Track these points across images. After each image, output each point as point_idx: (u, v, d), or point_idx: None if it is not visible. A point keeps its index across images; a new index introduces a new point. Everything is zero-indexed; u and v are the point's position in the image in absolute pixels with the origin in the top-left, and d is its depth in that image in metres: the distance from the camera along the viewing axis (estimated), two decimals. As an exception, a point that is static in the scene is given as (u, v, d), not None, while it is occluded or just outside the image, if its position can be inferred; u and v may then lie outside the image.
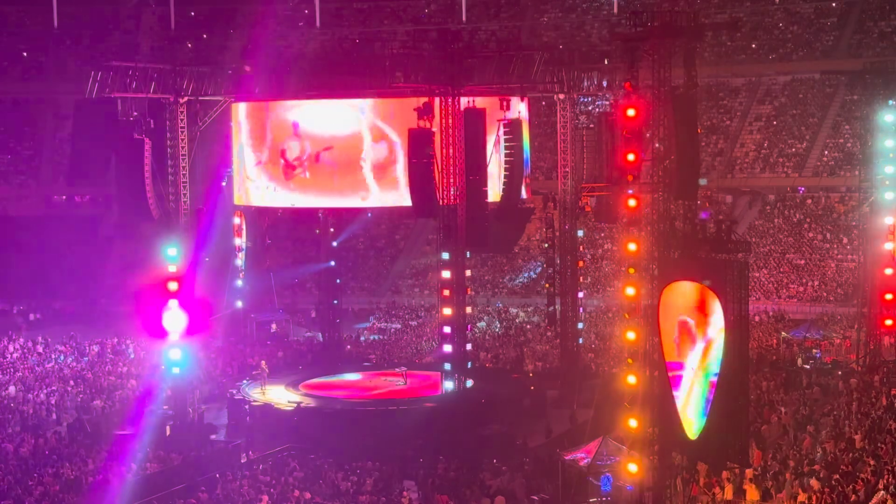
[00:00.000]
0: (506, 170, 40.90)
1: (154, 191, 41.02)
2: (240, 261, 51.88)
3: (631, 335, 30.23)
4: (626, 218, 30.68)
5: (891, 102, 45.91)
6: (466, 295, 41.23)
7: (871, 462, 31.81)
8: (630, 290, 30.23)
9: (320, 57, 58.56)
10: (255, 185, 45.13)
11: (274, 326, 56.95)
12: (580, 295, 46.65)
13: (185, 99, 41.99)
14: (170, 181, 41.71)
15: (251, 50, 47.61)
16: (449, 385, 40.01)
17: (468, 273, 41.50)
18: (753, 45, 71.63)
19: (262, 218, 48.92)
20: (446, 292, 39.60)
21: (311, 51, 71.72)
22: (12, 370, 48.84)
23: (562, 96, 44.66)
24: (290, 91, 44.10)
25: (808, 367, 45.65)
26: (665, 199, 30.40)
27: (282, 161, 43.97)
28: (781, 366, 46.42)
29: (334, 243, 51.61)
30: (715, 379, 28.60)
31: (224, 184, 48.26)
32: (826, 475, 31.54)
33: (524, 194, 43.96)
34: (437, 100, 38.67)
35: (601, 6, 76.27)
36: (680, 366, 29.58)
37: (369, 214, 49.42)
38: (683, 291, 29.39)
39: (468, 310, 42.28)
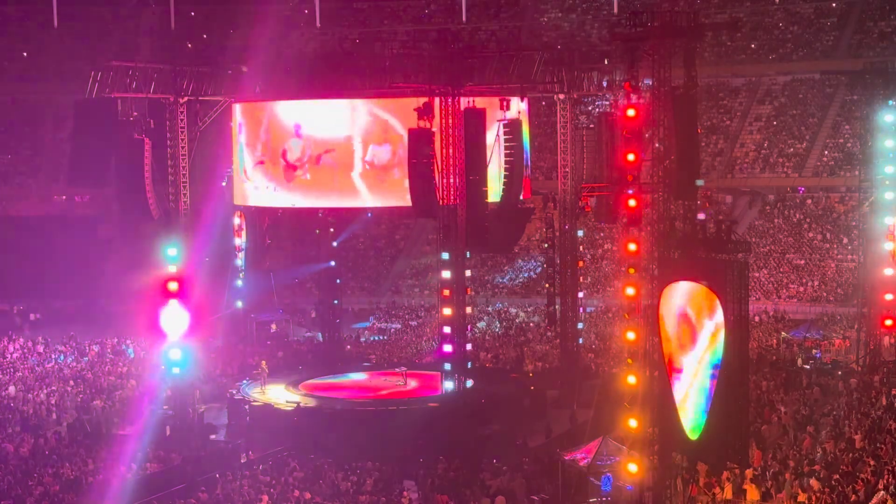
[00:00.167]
0: (506, 170, 40.90)
1: (154, 191, 41.01)
2: (240, 261, 51.86)
3: (631, 335, 30.24)
4: (626, 218, 30.66)
5: (891, 102, 45.90)
6: (466, 295, 41.22)
7: (871, 462, 31.81)
8: (630, 290, 30.23)
9: (320, 57, 58.47)
10: (254, 186, 45.13)
11: (274, 326, 56.95)
12: (580, 295, 46.66)
13: (185, 99, 41.98)
14: (170, 181, 41.69)
15: (251, 50, 47.54)
16: (449, 385, 40.01)
17: (468, 273, 41.49)
18: (753, 45, 71.64)
19: (262, 218, 48.86)
20: (446, 292, 39.60)
21: (311, 51, 71.68)
22: (12, 370, 48.85)
23: (562, 96, 44.65)
24: (290, 91, 44.10)
25: (808, 367, 45.66)
26: (665, 199, 30.41)
27: (282, 162, 43.95)
28: (781, 366, 46.41)
29: (334, 243, 51.58)
30: (716, 374, 28.61)
31: (224, 184, 48.25)
32: (826, 475, 31.54)
33: (524, 194, 43.97)
34: (437, 100, 38.66)
35: (601, 6, 76.29)
36: (680, 361, 29.58)
37: (369, 214, 49.39)
38: (684, 290, 29.38)
39: (468, 310, 42.27)
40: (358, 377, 47.25)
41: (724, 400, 28.65)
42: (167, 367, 41.25)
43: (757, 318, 53.12)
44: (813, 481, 31.08)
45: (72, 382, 46.43)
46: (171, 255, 40.50)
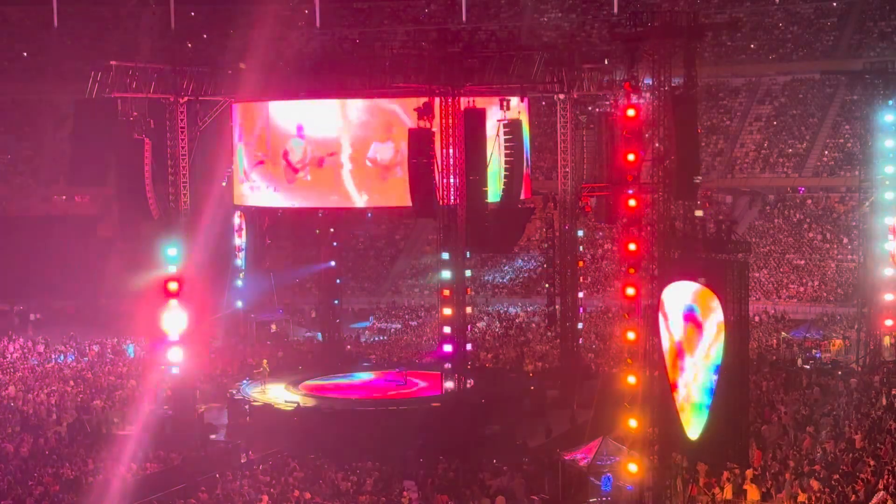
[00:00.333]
0: (506, 170, 40.88)
1: (154, 191, 40.99)
2: (240, 261, 51.87)
3: (631, 335, 30.24)
4: (626, 218, 30.66)
5: (891, 102, 45.96)
6: (466, 295, 41.22)
7: (871, 462, 31.81)
8: (630, 290, 30.23)
9: (320, 57, 58.48)
10: (254, 186, 45.11)
11: (274, 326, 56.96)
12: (580, 295, 46.66)
13: (185, 99, 41.96)
14: (170, 181, 41.67)
15: (251, 50, 47.52)
16: (449, 385, 40.01)
17: (468, 273, 41.49)
18: (753, 45, 71.67)
19: (262, 218, 48.88)
20: (446, 292, 39.60)
21: (311, 51, 71.65)
22: (12, 370, 48.86)
23: (562, 96, 44.65)
24: (290, 91, 44.06)
25: (808, 367, 45.66)
26: (665, 199, 30.41)
27: (283, 162, 43.89)
28: (781, 366, 46.43)
29: (335, 243, 51.57)
30: (717, 374, 28.62)
31: (224, 184, 48.24)
32: (826, 475, 31.53)
33: (524, 194, 43.95)
34: (437, 100, 38.66)
35: (601, 6, 76.30)
36: (685, 360, 29.57)
37: (369, 214, 49.40)
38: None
39: (468, 310, 42.27)
40: (364, 377, 47.17)
41: (724, 400, 28.65)
42: (167, 367, 41.23)
43: (757, 318, 53.13)
44: (813, 481, 31.08)
45: (72, 382, 46.43)
46: (171, 255, 40.49)
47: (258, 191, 45.03)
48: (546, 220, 47.72)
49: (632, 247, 30.18)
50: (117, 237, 62.15)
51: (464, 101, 39.20)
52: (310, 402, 42.13)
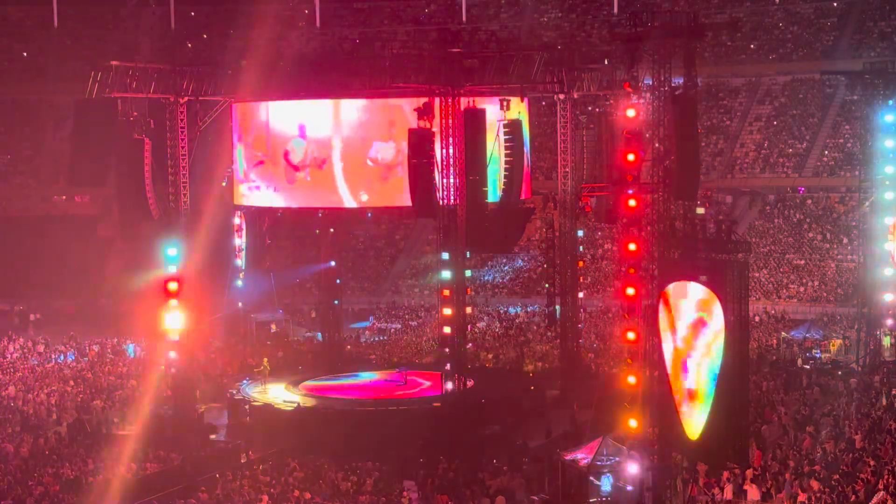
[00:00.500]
0: (506, 170, 40.88)
1: (154, 191, 40.99)
2: (240, 261, 51.85)
3: (631, 335, 30.25)
4: (626, 218, 30.66)
5: (891, 102, 45.95)
6: (466, 295, 41.21)
7: (871, 462, 31.80)
8: (630, 290, 30.24)
9: (320, 57, 58.49)
10: (254, 186, 45.09)
11: (274, 326, 56.92)
12: (580, 295, 46.63)
13: (185, 99, 41.96)
14: (170, 181, 41.68)
15: (251, 50, 47.53)
16: (449, 385, 40.02)
17: (468, 273, 41.49)
18: (753, 46, 71.63)
19: (262, 218, 48.86)
20: (446, 292, 39.61)
21: (311, 51, 71.65)
22: (12, 370, 48.86)
23: (562, 96, 44.64)
24: (289, 91, 44.05)
25: (808, 367, 45.66)
26: (665, 199, 30.42)
27: (284, 162, 43.86)
28: (781, 366, 46.43)
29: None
30: (717, 374, 28.64)
31: (224, 184, 48.23)
32: (826, 475, 31.53)
33: (524, 194, 43.95)
34: (437, 100, 38.66)
35: (601, 6, 76.27)
36: (688, 361, 29.60)
37: (369, 214, 49.41)
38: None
39: (468, 310, 42.26)
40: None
41: (724, 400, 28.68)
42: (167, 367, 41.22)
43: (757, 318, 53.12)
44: (813, 481, 31.07)
45: (72, 382, 46.43)
46: (171, 255, 40.48)
47: (258, 191, 45.01)
48: (546, 220, 47.73)
49: (632, 247, 30.19)
50: (117, 237, 62.20)
51: (464, 101, 39.20)
52: (310, 403, 42.11)
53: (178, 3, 77.36)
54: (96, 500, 33.00)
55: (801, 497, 30.65)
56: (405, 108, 41.86)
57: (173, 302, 40.02)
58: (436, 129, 38.40)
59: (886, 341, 46.79)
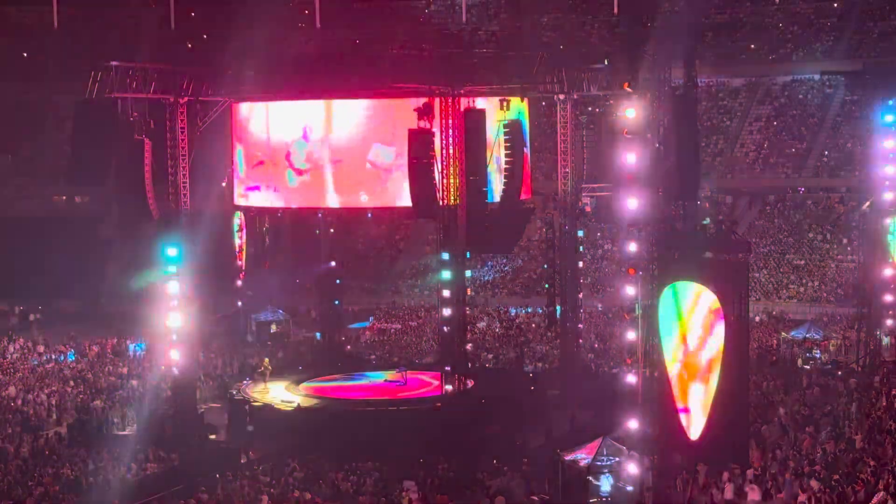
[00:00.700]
0: (506, 170, 40.89)
1: (154, 191, 40.97)
2: (240, 261, 51.86)
3: (631, 335, 30.25)
4: (626, 218, 30.67)
5: (891, 102, 45.92)
6: (466, 295, 41.19)
7: (871, 462, 31.79)
8: (630, 290, 30.24)
9: (320, 57, 58.48)
10: (254, 186, 45.06)
11: (274, 326, 56.92)
12: (580, 295, 46.64)
13: (185, 99, 41.92)
14: (170, 181, 41.64)
15: (251, 50, 47.53)
16: (449, 385, 40.00)
17: (468, 273, 41.47)
18: (753, 46, 71.63)
19: (262, 218, 48.86)
20: (446, 293, 39.58)
21: (311, 51, 71.64)
22: (12, 370, 48.85)
23: (562, 96, 44.60)
24: (290, 91, 44.03)
25: (808, 367, 45.65)
26: (665, 199, 30.42)
27: (284, 163, 43.81)
28: (781, 366, 46.41)
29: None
30: (718, 375, 28.66)
31: (224, 184, 48.23)
32: (826, 475, 31.52)
33: (524, 194, 43.93)
34: (437, 100, 38.65)
35: (601, 6, 76.25)
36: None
37: (369, 215, 49.44)
38: (690, 290, 29.40)
39: (468, 310, 42.25)
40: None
41: (724, 400, 28.67)
42: (167, 366, 41.23)
43: (757, 318, 53.11)
44: (813, 481, 31.03)
45: (72, 383, 46.42)
46: (171, 255, 40.46)
47: (258, 191, 44.99)
48: (546, 220, 47.70)
49: (632, 247, 30.20)
50: (117, 237, 62.19)
51: (464, 102, 39.20)
52: (310, 403, 42.10)
53: (178, 3, 77.37)
54: (96, 500, 32.99)
55: (801, 497, 30.63)
56: (406, 110, 41.89)
57: (173, 302, 39.98)
58: (436, 129, 38.39)
59: (886, 341, 46.79)
